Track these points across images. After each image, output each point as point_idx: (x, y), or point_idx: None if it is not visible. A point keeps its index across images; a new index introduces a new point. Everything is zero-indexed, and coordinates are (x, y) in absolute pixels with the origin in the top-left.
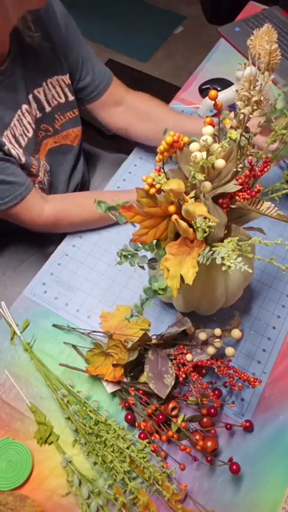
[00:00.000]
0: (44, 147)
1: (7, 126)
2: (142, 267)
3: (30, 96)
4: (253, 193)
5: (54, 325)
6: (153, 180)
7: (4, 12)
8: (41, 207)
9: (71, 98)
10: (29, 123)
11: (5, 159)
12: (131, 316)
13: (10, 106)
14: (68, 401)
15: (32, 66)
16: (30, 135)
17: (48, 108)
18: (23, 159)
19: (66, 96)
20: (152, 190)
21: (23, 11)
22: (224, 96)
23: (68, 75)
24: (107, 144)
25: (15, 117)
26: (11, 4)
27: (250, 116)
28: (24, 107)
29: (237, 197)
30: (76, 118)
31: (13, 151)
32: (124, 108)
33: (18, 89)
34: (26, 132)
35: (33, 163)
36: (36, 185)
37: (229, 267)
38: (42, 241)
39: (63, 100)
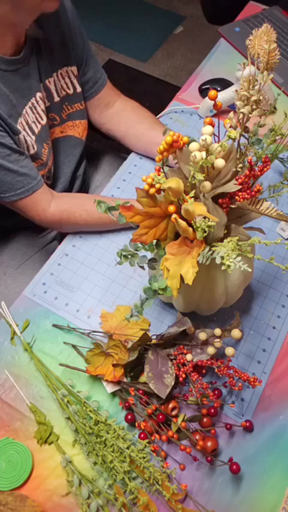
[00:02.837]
0: (50, 136)
1: (21, 114)
2: (142, 267)
3: (41, 86)
4: (253, 193)
5: (54, 325)
6: (153, 180)
7: (20, 14)
8: (48, 204)
9: (79, 89)
10: (43, 110)
11: (20, 152)
12: (131, 316)
13: (24, 94)
14: (68, 401)
15: (45, 56)
16: (43, 122)
17: (57, 98)
18: (35, 147)
19: (74, 88)
20: (152, 190)
21: (36, 15)
22: (224, 96)
23: (76, 67)
24: (107, 144)
25: (27, 105)
26: (24, 11)
27: (249, 115)
28: (39, 94)
29: (236, 197)
30: (82, 111)
31: (27, 139)
32: (113, 112)
33: (32, 77)
34: (39, 119)
35: (44, 153)
36: (44, 176)
37: (228, 266)
38: (43, 239)
39: (71, 91)
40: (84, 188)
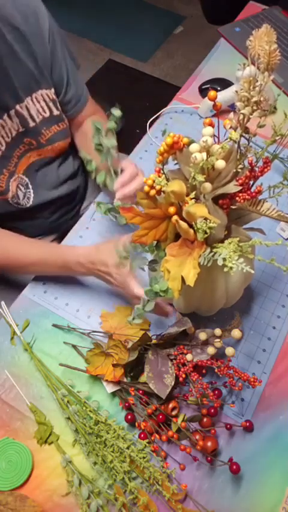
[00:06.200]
0: (25, 161)
1: None
2: (142, 269)
3: (12, 112)
4: (253, 193)
5: (54, 325)
6: (154, 181)
7: None
8: None
9: (56, 112)
10: (3, 136)
11: None
12: (133, 319)
13: None
14: (68, 401)
15: (15, 82)
16: (3, 148)
17: (32, 123)
18: None
19: (50, 111)
20: (152, 192)
21: None
22: (224, 96)
23: (53, 89)
24: None
25: None
26: None
27: (250, 116)
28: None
29: (237, 198)
30: (64, 131)
31: None
32: (81, 133)
33: None
34: None
35: (1, 179)
36: (12, 201)
37: (231, 268)
38: (46, 238)
39: (47, 114)
40: (81, 191)
